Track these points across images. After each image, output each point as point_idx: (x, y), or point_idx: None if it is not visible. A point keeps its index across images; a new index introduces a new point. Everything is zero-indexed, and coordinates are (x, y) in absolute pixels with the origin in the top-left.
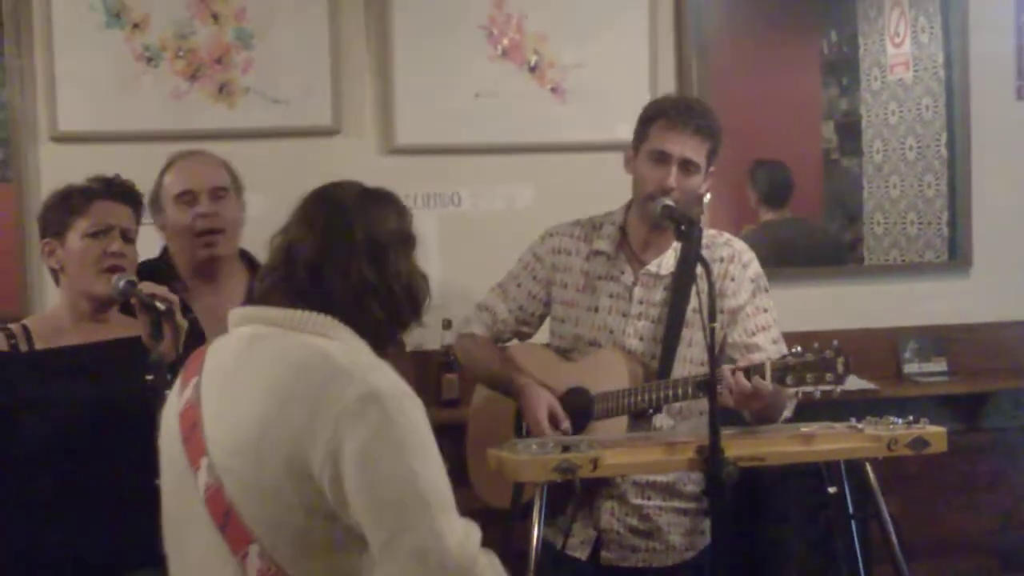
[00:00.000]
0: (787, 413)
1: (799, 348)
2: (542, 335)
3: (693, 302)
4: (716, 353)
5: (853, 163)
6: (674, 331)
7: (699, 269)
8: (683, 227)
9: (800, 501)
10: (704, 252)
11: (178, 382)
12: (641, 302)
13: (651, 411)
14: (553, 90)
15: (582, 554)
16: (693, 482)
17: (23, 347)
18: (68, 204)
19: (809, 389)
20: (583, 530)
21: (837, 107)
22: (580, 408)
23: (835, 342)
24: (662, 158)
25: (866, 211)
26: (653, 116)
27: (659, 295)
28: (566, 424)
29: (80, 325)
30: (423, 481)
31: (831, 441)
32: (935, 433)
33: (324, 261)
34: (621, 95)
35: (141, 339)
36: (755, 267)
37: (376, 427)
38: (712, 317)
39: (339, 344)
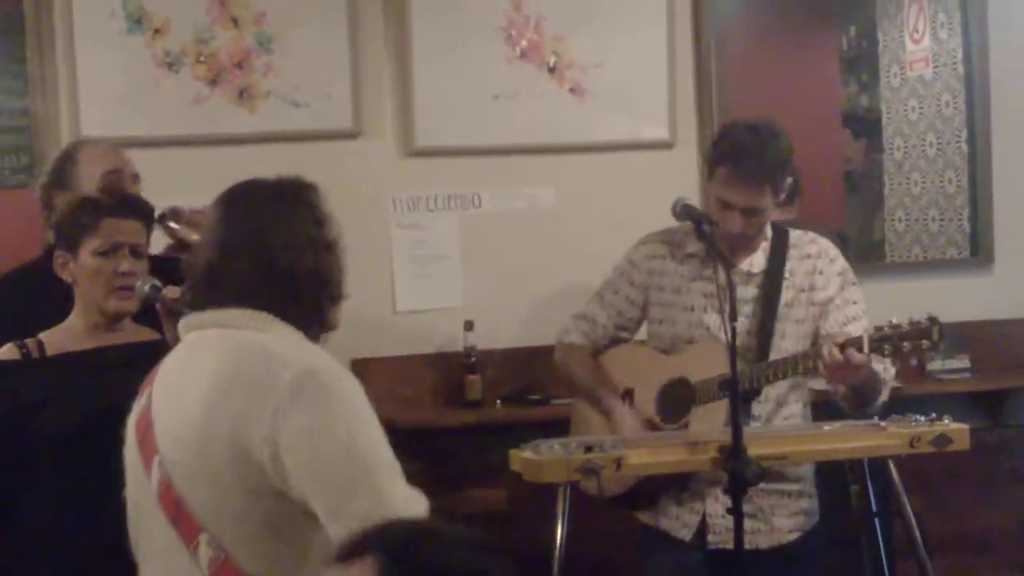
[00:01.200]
0: (883, 398)
1: (894, 319)
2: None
3: (785, 297)
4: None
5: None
6: (768, 325)
7: (791, 264)
8: (702, 225)
9: (822, 498)
10: (792, 251)
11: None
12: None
13: (752, 397)
14: (572, 90)
15: (686, 536)
16: (797, 464)
17: (35, 355)
18: (78, 221)
19: (906, 357)
20: (688, 513)
21: (857, 103)
22: (682, 396)
23: (929, 312)
24: (726, 206)
25: (887, 208)
26: (720, 158)
27: (752, 292)
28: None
29: (94, 333)
30: (364, 447)
31: (854, 439)
32: (958, 430)
33: (236, 256)
34: (640, 94)
35: (153, 343)
36: (841, 262)
37: (313, 400)
38: (733, 317)
39: (275, 336)
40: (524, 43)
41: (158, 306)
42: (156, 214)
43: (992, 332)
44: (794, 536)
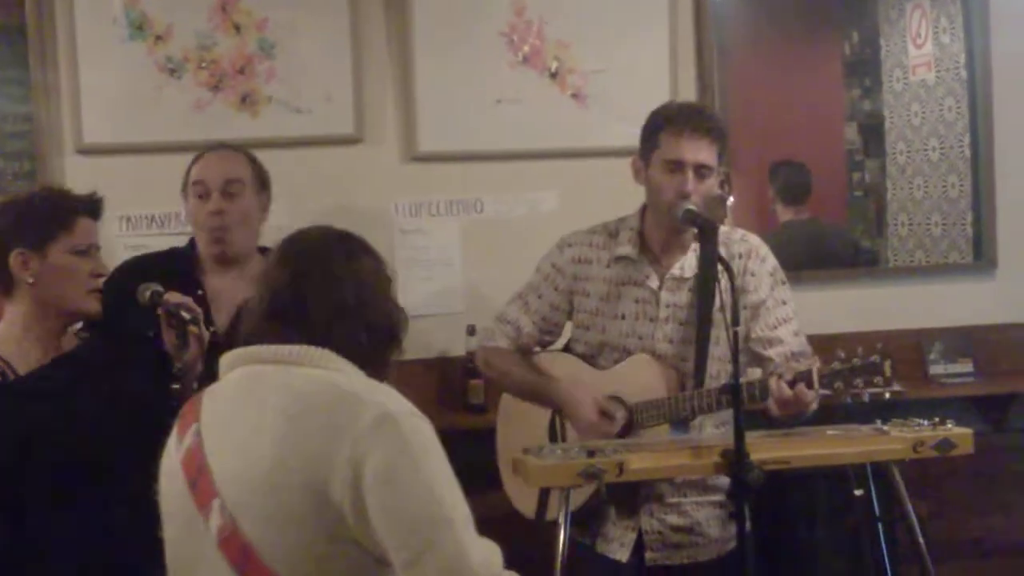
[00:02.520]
0: (814, 406)
1: (843, 354)
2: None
3: (718, 302)
4: (738, 355)
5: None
6: (703, 332)
7: (720, 269)
8: (706, 230)
9: (826, 504)
10: (721, 249)
11: (174, 432)
12: (668, 305)
13: (691, 419)
14: (574, 96)
15: (622, 556)
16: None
17: (8, 375)
18: (52, 218)
19: (858, 392)
20: (623, 532)
21: (860, 109)
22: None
23: (879, 345)
24: (676, 166)
25: (890, 212)
26: (660, 124)
27: (684, 297)
28: (621, 413)
29: (47, 340)
30: (444, 499)
31: (857, 444)
32: (961, 435)
33: (307, 294)
34: (642, 100)
35: (90, 344)
36: (772, 260)
37: (393, 447)
38: (736, 321)
39: (342, 374)
40: (526, 48)
41: (160, 311)
42: (152, 293)
43: (995, 336)
44: (732, 546)
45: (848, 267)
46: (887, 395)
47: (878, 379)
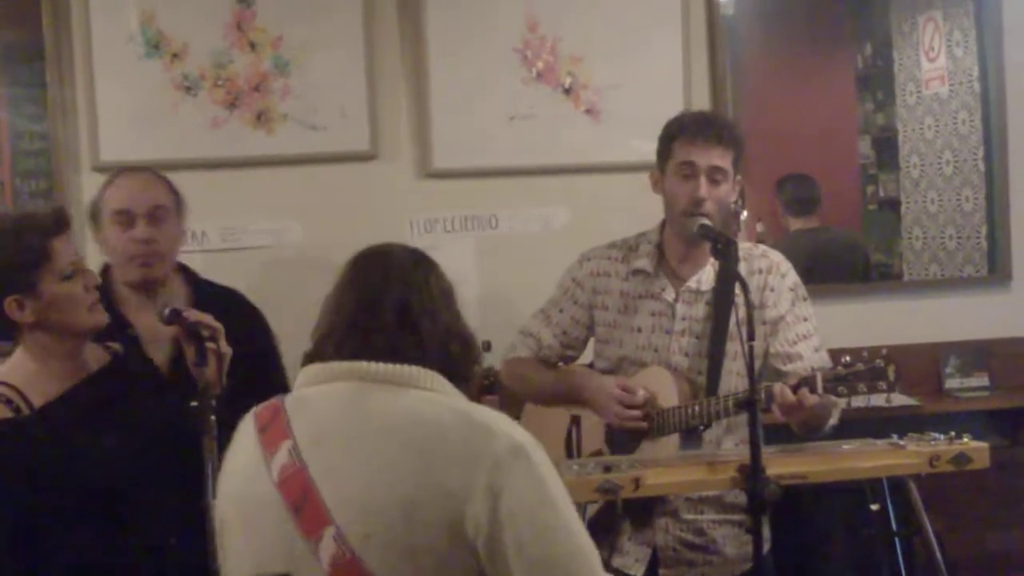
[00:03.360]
0: (833, 421)
1: (848, 359)
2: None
3: (735, 316)
4: (759, 365)
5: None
6: (719, 346)
7: (737, 286)
8: (719, 245)
9: (842, 518)
10: (741, 265)
11: (253, 446)
12: (684, 318)
13: (701, 428)
14: (588, 111)
15: (637, 572)
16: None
17: (24, 408)
18: (29, 254)
19: (861, 398)
20: (637, 548)
21: (873, 122)
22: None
23: (884, 351)
24: (690, 171)
25: (904, 226)
26: (674, 133)
27: (701, 311)
28: (642, 392)
29: (62, 368)
30: (580, 534)
31: (873, 458)
32: (977, 449)
33: (416, 310)
34: (656, 115)
35: (115, 361)
36: (793, 276)
37: (529, 480)
38: (751, 336)
39: (456, 398)
40: (540, 64)
41: (178, 329)
42: (171, 312)
43: (1011, 350)
44: (747, 567)
45: (861, 277)
46: (889, 399)
47: (881, 384)
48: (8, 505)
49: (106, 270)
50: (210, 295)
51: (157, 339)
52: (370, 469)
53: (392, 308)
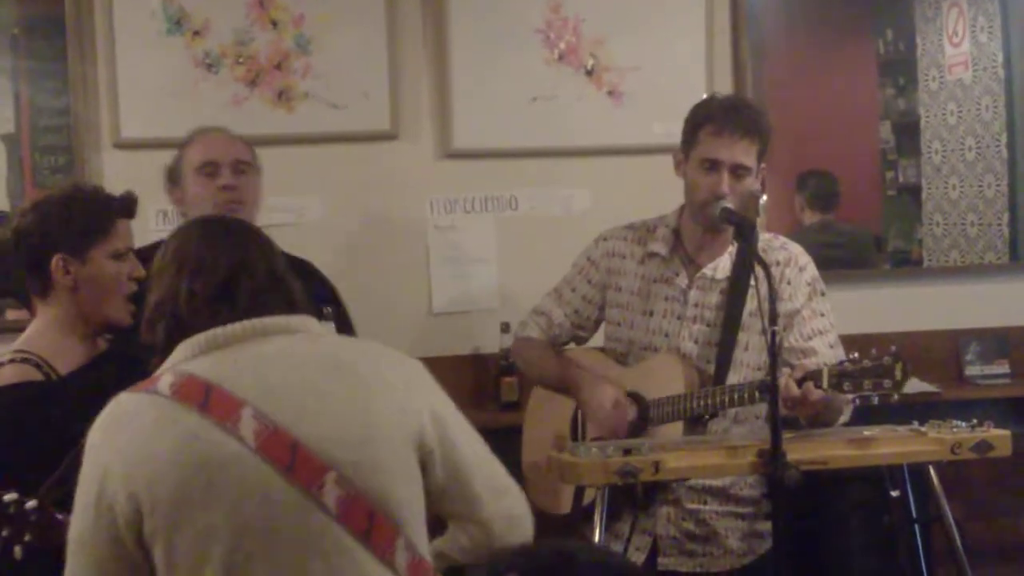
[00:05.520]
0: (843, 418)
1: (856, 354)
2: (597, 339)
3: (749, 306)
4: (775, 355)
5: (911, 164)
6: (730, 335)
7: (758, 272)
8: (743, 229)
9: (860, 504)
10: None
11: (196, 425)
12: (696, 305)
13: (707, 416)
14: (610, 93)
15: (637, 559)
16: (749, 486)
17: (52, 376)
18: (95, 221)
19: (866, 395)
20: (638, 536)
21: (894, 108)
22: (636, 414)
23: (893, 348)
24: (713, 165)
25: (925, 212)
26: (701, 121)
27: (714, 299)
28: (632, 411)
29: (87, 342)
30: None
31: (894, 444)
32: (999, 436)
33: (276, 270)
34: (678, 98)
35: (122, 343)
36: (811, 270)
37: (442, 395)
38: (773, 320)
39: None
40: (563, 45)
41: None
42: None
43: None
44: (748, 560)
45: (870, 267)
46: (895, 398)
47: (887, 382)
48: (34, 467)
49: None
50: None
51: None
52: (333, 407)
53: (262, 269)
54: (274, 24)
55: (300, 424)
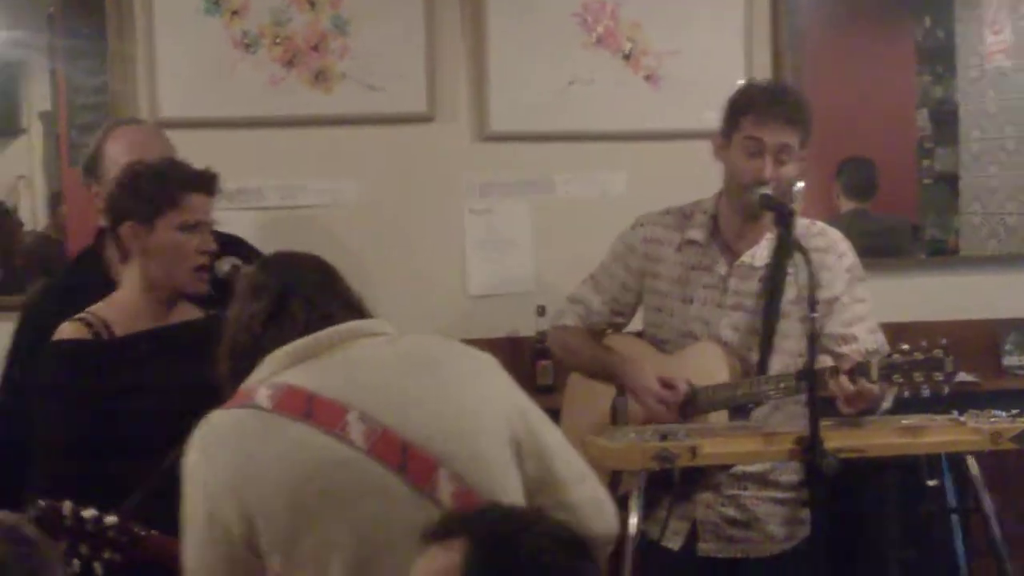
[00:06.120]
0: (886, 404)
1: (906, 346)
2: (635, 324)
3: (788, 293)
4: (814, 342)
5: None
6: (770, 323)
7: (796, 258)
8: (782, 216)
9: (898, 493)
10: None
11: (301, 433)
12: (736, 293)
13: (751, 406)
14: (647, 78)
15: (675, 545)
16: (790, 471)
17: (104, 335)
18: (161, 193)
19: (917, 387)
20: (677, 521)
21: (931, 95)
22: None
23: (944, 340)
24: (756, 149)
25: (963, 201)
26: (744, 107)
27: (754, 286)
28: (683, 387)
29: (156, 311)
30: None
31: (933, 434)
32: None
33: (333, 283)
34: (716, 83)
35: (207, 321)
36: (851, 257)
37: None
38: (812, 308)
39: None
40: (600, 29)
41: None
42: (232, 267)
43: None
44: (788, 545)
45: (905, 256)
46: (946, 390)
47: (938, 374)
48: (70, 424)
49: (100, 233)
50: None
51: None
52: (432, 404)
53: (313, 281)
54: (312, 5)
55: (406, 423)
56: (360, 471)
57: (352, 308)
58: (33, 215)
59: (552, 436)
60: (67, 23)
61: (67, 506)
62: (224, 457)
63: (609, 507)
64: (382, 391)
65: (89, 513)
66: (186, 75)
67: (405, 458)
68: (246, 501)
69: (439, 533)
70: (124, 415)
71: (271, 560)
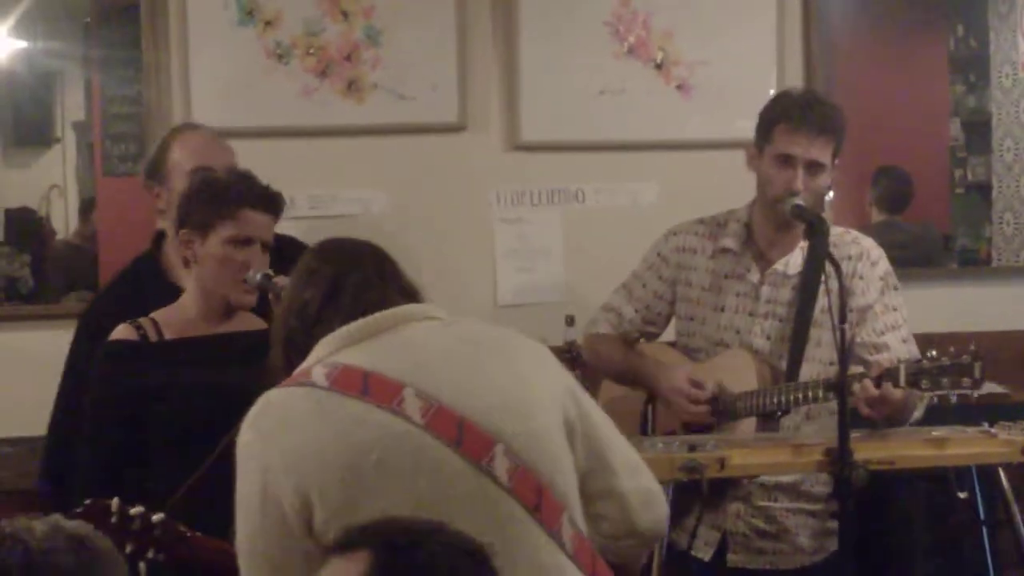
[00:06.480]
0: (917, 414)
1: (934, 352)
2: (668, 335)
3: (822, 302)
4: (845, 354)
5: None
6: (802, 331)
7: (828, 270)
8: (814, 225)
9: (927, 505)
10: (832, 251)
11: (359, 409)
12: (768, 301)
13: (780, 413)
14: (679, 87)
15: (705, 555)
16: (821, 483)
17: (153, 338)
18: (217, 205)
19: (944, 393)
20: (707, 531)
21: (964, 104)
22: (716, 389)
23: (972, 346)
24: (788, 161)
25: (995, 211)
26: (777, 117)
27: (787, 294)
28: (711, 385)
29: (210, 320)
30: None
31: (963, 446)
32: None
33: (387, 268)
34: (747, 93)
35: (265, 332)
36: (884, 265)
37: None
38: (843, 319)
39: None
40: (631, 39)
41: (271, 295)
42: (263, 276)
43: None
44: (819, 558)
45: (936, 266)
46: (975, 397)
47: (966, 380)
48: (112, 424)
49: (160, 237)
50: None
51: None
52: (488, 381)
53: (370, 266)
54: (344, 15)
55: (462, 399)
56: (416, 445)
57: (406, 293)
58: (66, 224)
59: (606, 425)
60: (102, 33)
61: (115, 503)
62: (279, 434)
63: (659, 502)
64: (438, 369)
65: (136, 510)
66: (219, 85)
67: (461, 433)
68: (301, 477)
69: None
70: (156, 416)
71: (325, 538)
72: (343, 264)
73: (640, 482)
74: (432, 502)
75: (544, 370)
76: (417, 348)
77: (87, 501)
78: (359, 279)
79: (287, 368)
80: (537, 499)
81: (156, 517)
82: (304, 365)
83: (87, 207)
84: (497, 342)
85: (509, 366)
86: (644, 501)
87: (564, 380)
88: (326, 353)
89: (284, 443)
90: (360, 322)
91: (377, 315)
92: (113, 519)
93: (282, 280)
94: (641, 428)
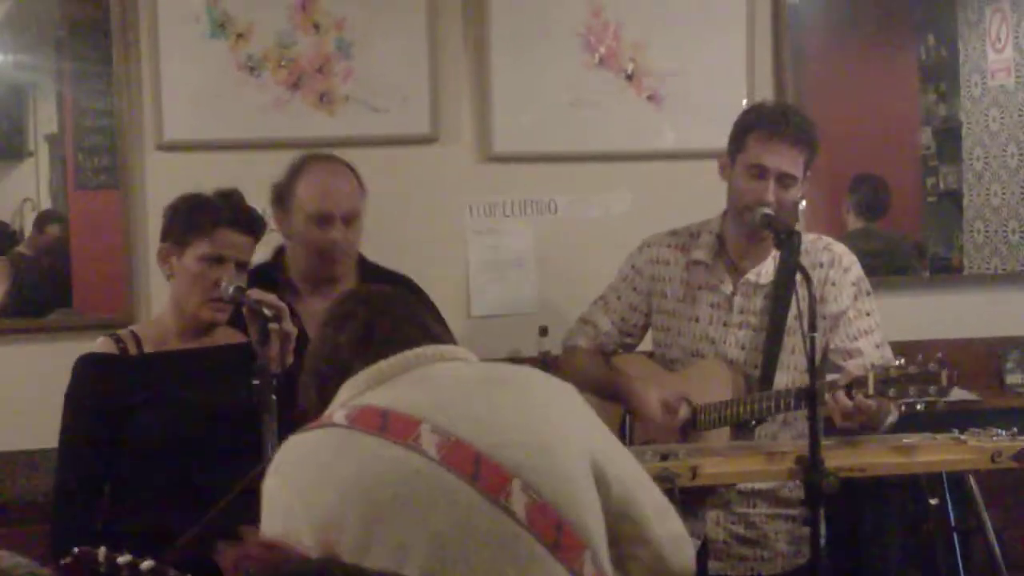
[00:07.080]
0: (891, 419)
1: (902, 360)
2: (645, 345)
3: (794, 309)
4: (818, 360)
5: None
6: (775, 340)
7: (799, 278)
8: (783, 235)
9: (898, 513)
10: (803, 258)
11: (376, 446)
12: (741, 311)
13: (753, 423)
14: (650, 98)
15: None
16: (799, 488)
17: (132, 351)
18: (192, 222)
19: (912, 401)
20: None
21: (935, 113)
22: (690, 412)
23: (940, 354)
24: (760, 172)
25: (966, 219)
26: (750, 127)
27: (759, 303)
28: (684, 408)
29: (187, 332)
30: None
31: (933, 452)
32: None
33: (414, 311)
34: (719, 103)
35: (243, 346)
36: (856, 270)
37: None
38: (812, 328)
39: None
40: (603, 50)
41: (244, 308)
42: (235, 289)
43: None
44: (799, 561)
45: (910, 274)
46: (942, 404)
47: (933, 388)
48: (85, 436)
49: (280, 252)
50: (375, 277)
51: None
52: (507, 418)
53: (399, 309)
54: (316, 28)
55: (479, 435)
56: (432, 480)
57: (431, 336)
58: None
59: (636, 469)
60: (74, 47)
61: (101, 552)
62: (298, 474)
63: (688, 545)
64: (456, 405)
65: (124, 559)
66: (191, 98)
67: (478, 468)
68: (319, 514)
69: None
70: (130, 428)
71: None
72: (376, 308)
73: (670, 527)
74: (449, 537)
75: (569, 409)
76: (437, 386)
77: (74, 550)
78: (391, 323)
79: (320, 411)
80: (556, 535)
81: (145, 565)
82: (328, 410)
83: (43, 219)
84: (520, 381)
85: (531, 404)
86: (675, 547)
87: (591, 421)
88: (349, 396)
89: (302, 482)
90: (383, 363)
91: (399, 356)
92: (101, 569)
93: (254, 292)
94: (620, 438)
